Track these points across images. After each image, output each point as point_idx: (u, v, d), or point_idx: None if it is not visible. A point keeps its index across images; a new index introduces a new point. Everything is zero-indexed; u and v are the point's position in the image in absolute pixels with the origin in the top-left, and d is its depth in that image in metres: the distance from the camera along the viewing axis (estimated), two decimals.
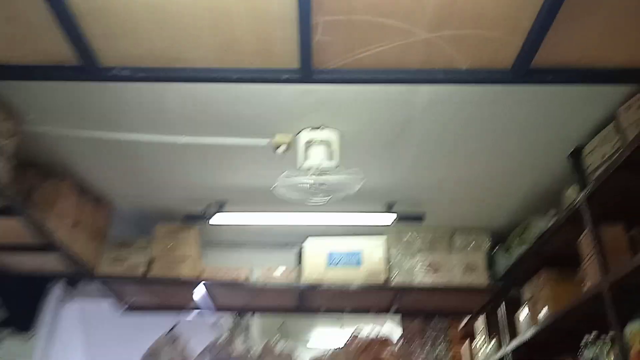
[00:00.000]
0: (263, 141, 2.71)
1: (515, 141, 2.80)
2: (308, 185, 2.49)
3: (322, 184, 2.51)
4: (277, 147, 2.69)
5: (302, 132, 2.65)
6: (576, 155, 2.79)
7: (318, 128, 2.64)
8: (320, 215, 3.46)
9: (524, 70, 2.15)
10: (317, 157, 2.57)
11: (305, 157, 2.60)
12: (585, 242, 2.69)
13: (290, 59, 2.11)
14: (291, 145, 2.71)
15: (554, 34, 1.98)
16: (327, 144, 2.63)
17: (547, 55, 2.10)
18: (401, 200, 3.47)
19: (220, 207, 3.49)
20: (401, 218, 3.48)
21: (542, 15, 1.89)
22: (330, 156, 2.63)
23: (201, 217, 3.53)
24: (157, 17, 1.95)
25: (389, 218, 3.48)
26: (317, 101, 2.45)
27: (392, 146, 2.84)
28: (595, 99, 2.44)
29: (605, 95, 2.40)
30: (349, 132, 2.69)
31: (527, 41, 2.02)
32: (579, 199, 2.65)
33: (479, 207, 3.61)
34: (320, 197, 2.57)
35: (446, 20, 1.95)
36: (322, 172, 2.54)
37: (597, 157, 2.57)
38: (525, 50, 2.06)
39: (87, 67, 2.14)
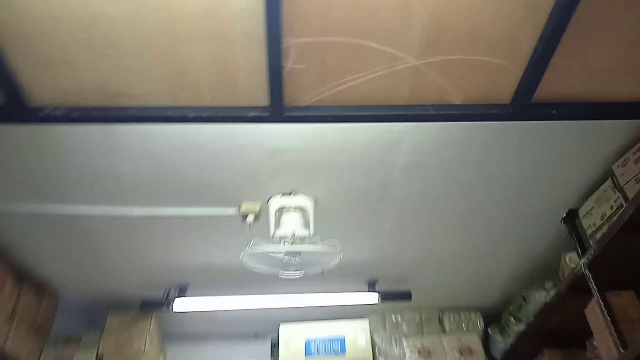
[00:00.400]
0: (229, 210, 2.42)
1: (504, 206, 2.58)
2: (280, 255, 2.17)
3: (295, 255, 2.20)
4: (245, 217, 2.40)
5: (272, 198, 2.38)
6: (571, 218, 2.58)
7: (289, 194, 2.39)
8: (295, 297, 3.09)
9: (526, 103, 1.87)
10: (290, 224, 2.28)
11: (277, 226, 2.31)
12: (593, 315, 2.39)
13: (258, 93, 1.81)
14: (260, 215, 2.42)
15: (559, 61, 1.73)
16: (300, 211, 2.36)
17: (551, 86, 1.83)
18: (384, 277, 3.15)
19: (182, 291, 3.10)
20: (385, 297, 3.13)
21: (546, 36, 1.64)
22: (304, 225, 2.35)
23: (160, 304, 3.10)
24: (95, 44, 1.65)
25: (372, 297, 3.13)
26: (288, 163, 2.20)
27: (371, 214, 2.58)
28: (587, 154, 2.26)
29: (597, 150, 2.23)
30: (324, 199, 2.43)
31: (528, 69, 1.76)
32: (580, 265, 2.40)
33: (467, 282, 3.30)
34: (294, 270, 2.24)
35: (436, 41, 1.69)
36: (296, 241, 2.24)
37: (595, 219, 2.35)
38: (527, 80, 1.79)
39: (12, 106, 1.78)
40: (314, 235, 2.33)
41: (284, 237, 2.23)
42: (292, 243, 2.21)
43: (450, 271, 3.17)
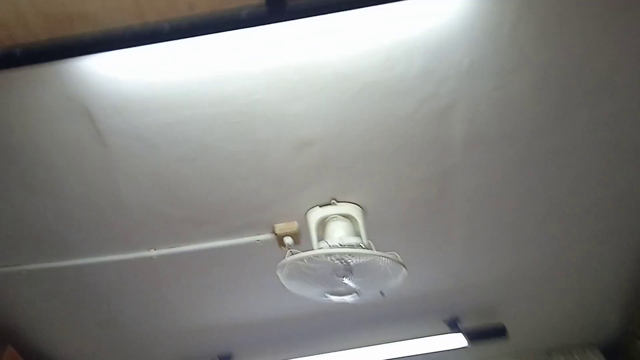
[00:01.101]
0: (262, 236, 2.00)
1: (617, 194, 2.05)
2: (327, 262, 1.69)
3: (346, 263, 1.71)
4: (282, 240, 1.97)
5: (309, 212, 1.95)
6: None
7: (329, 203, 1.96)
8: (359, 352, 2.52)
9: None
10: (337, 232, 1.83)
11: (320, 238, 1.86)
12: None
13: None
14: (300, 237, 1.99)
15: None
16: (347, 219, 1.91)
17: None
18: (466, 311, 2.54)
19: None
20: (473, 337, 2.50)
21: None
22: (354, 234, 1.88)
23: None
24: None
25: (456, 339, 2.50)
26: (317, 162, 1.80)
27: (433, 218, 2.08)
28: None
29: None
30: (371, 204, 1.97)
31: None
32: None
33: (577, 308, 2.63)
34: (345, 290, 1.73)
35: None
36: (346, 246, 1.77)
37: None
38: None
39: None
40: (368, 243, 1.86)
41: (330, 243, 1.77)
42: (342, 248, 1.74)
43: (551, 295, 2.52)
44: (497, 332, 2.50)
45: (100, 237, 1.97)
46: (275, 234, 1.97)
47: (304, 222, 1.96)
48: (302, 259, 1.76)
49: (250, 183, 1.84)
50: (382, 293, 1.80)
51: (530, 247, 2.26)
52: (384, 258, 1.72)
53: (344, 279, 1.75)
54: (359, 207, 1.97)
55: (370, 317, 2.57)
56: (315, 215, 1.94)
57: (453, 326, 2.53)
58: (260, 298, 2.33)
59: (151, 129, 1.63)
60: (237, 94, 1.57)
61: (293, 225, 1.97)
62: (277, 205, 1.93)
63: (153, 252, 2.01)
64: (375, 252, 1.69)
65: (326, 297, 1.80)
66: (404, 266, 1.76)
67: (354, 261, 1.76)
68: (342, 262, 1.77)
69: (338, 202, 1.95)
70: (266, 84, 1.56)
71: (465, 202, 2.01)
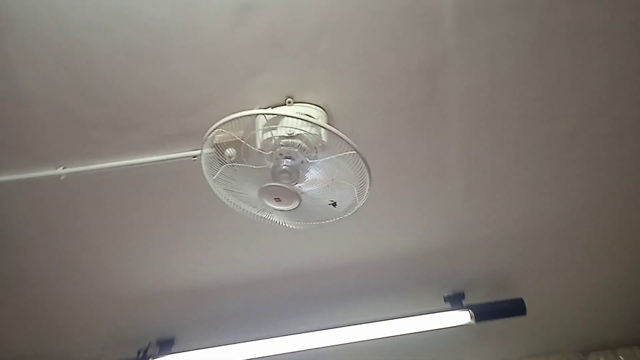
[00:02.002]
0: (198, 152, 1.56)
1: None
2: (267, 152, 1.25)
3: (289, 157, 1.27)
4: (223, 152, 1.52)
5: (258, 116, 1.51)
6: None
7: (284, 103, 1.52)
8: (334, 332, 1.98)
9: None
10: (289, 124, 1.39)
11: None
12: None
13: None
14: (247, 149, 1.54)
15: None
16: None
17: None
18: (471, 281, 2.00)
19: (165, 347, 2.07)
20: (481, 314, 1.95)
21: None
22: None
23: None
24: None
25: (460, 316, 1.95)
26: (264, 37, 1.37)
27: (420, 139, 1.61)
28: None
29: None
30: (339, 112, 1.54)
31: None
32: None
33: (623, 286, 2.07)
34: (287, 199, 1.28)
35: None
36: (293, 137, 1.32)
37: None
38: None
39: None
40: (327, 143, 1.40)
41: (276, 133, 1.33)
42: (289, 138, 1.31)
43: (586, 261, 1.99)
44: (513, 308, 1.94)
45: None
46: (216, 146, 1.53)
47: (252, 128, 1.52)
48: (236, 154, 1.35)
49: (181, 67, 1.41)
50: (333, 203, 1.34)
51: (555, 186, 1.77)
52: (344, 152, 1.28)
53: (287, 181, 1.30)
54: (323, 112, 1.54)
55: (354, 288, 2.06)
56: (262, 119, 1.50)
57: (455, 302, 2.00)
58: (209, 250, 1.85)
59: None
60: None
61: (237, 134, 1.53)
62: (217, 104, 1.50)
63: (61, 171, 1.58)
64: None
65: (265, 206, 1.34)
66: (368, 168, 1.32)
67: (301, 158, 1.32)
68: (287, 158, 1.34)
69: (295, 102, 1.52)
70: None
71: (461, 108, 1.55)
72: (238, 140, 1.49)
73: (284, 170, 1.31)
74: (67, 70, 1.40)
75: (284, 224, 1.50)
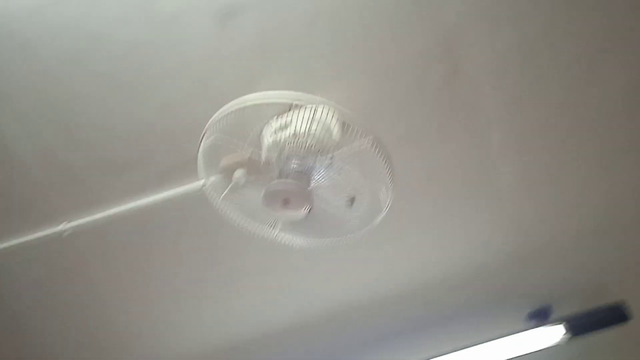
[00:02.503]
0: (209, 179, 1.37)
1: None
2: (273, 157, 1.05)
3: (299, 159, 1.06)
4: (232, 176, 1.31)
5: (265, 128, 1.30)
6: None
7: (289, 109, 1.31)
8: None
9: None
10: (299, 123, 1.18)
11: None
12: None
13: None
14: (258, 165, 1.33)
15: None
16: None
17: None
18: (556, 288, 1.65)
19: None
20: (577, 327, 1.58)
21: None
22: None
23: None
24: None
25: (552, 333, 1.60)
26: (256, 42, 1.18)
27: (450, 125, 1.34)
28: None
29: None
30: (354, 108, 1.31)
31: None
32: None
33: None
34: (296, 206, 1.05)
35: None
36: (303, 137, 1.12)
37: None
38: None
39: None
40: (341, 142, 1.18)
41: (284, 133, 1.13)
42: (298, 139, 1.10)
43: None
44: (612, 315, 1.56)
45: None
46: (223, 170, 1.33)
47: (258, 143, 1.32)
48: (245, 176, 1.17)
49: (167, 92, 1.25)
50: (350, 199, 1.12)
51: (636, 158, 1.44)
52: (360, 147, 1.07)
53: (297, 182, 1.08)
54: (332, 111, 1.32)
55: (416, 319, 1.76)
56: (272, 129, 1.30)
57: (542, 317, 1.65)
58: (238, 298, 1.62)
59: (16, 16, 1.14)
60: None
61: (243, 153, 1.33)
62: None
63: (64, 227, 1.42)
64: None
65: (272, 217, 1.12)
66: (389, 161, 1.11)
67: (312, 160, 1.11)
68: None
69: (301, 105, 1.31)
70: None
71: (493, 78, 1.28)
72: (244, 159, 1.31)
73: (294, 170, 1.10)
74: (47, 111, 1.26)
75: (295, 242, 1.28)
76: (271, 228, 1.25)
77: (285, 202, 1.10)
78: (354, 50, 1.22)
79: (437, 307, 1.72)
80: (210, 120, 1.19)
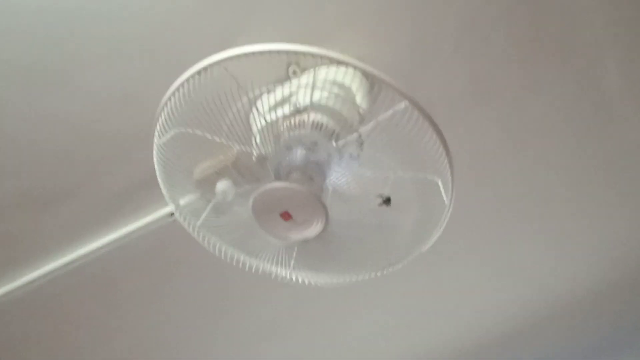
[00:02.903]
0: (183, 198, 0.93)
1: None
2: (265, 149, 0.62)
3: (305, 145, 0.62)
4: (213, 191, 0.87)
5: (253, 107, 0.86)
6: None
7: (287, 78, 0.87)
8: None
9: None
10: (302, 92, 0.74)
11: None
12: None
13: None
14: (249, 166, 0.89)
15: None
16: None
17: None
18: None
19: None
20: None
21: None
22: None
23: None
24: None
25: None
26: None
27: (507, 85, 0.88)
28: None
29: None
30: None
31: None
32: None
33: None
34: (304, 223, 0.62)
35: None
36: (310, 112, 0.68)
37: None
38: None
39: None
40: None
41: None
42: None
43: None
44: None
45: None
46: (194, 178, 0.89)
47: (246, 134, 0.87)
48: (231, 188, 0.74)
49: (111, 71, 0.84)
50: (385, 200, 0.66)
51: None
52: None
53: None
54: (357, 74, 0.87)
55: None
56: (264, 107, 0.85)
57: None
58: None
59: None
60: None
61: (227, 156, 0.89)
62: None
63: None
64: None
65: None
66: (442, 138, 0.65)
67: (326, 147, 0.69)
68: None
69: (302, 69, 0.86)
70: None
71: None
72: (227, 163, 0.88)
73: (297, 166, 0.65)
74: None
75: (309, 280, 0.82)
76: (274, 262, 0.79)
77: (285, 217, 0.65)
78: None
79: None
80: (161, 101, 0.76)
